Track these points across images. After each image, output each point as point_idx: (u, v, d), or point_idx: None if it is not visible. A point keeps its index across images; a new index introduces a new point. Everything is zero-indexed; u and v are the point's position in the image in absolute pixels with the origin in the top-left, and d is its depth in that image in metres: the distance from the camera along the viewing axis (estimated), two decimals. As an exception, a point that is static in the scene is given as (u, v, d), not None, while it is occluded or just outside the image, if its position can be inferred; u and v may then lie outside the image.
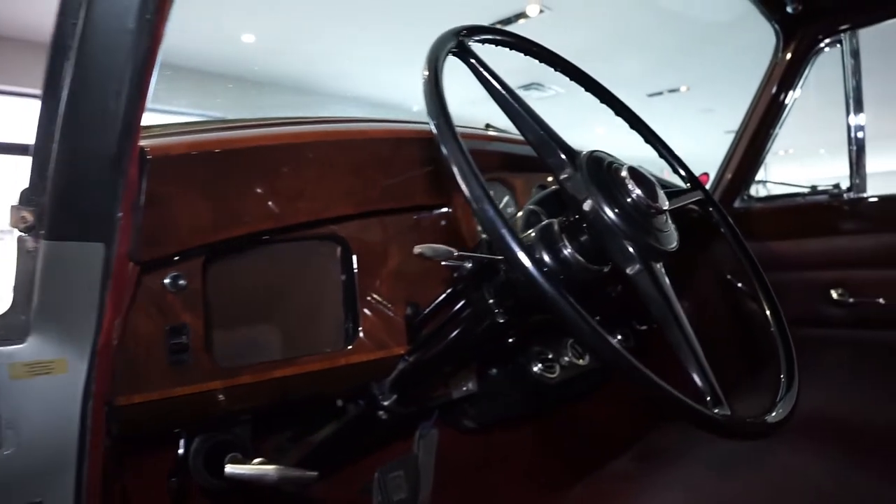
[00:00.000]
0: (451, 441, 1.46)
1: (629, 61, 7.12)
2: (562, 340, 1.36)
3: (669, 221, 0.72)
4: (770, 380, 0.76)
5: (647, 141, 0.93)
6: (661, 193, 0.69)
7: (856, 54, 1.92)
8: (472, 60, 0.72)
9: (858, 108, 1.95)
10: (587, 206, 0.64)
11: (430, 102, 0.61)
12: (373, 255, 1.01)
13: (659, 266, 0.66)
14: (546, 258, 0.71)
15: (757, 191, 2.15)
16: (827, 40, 1.92)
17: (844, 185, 1.95)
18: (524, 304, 0.79)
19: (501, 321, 0.80)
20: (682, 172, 0.95)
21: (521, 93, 0.71)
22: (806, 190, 2.09)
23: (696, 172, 0.94)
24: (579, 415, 1.78)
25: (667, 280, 0.66)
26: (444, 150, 0.57)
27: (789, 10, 1.84)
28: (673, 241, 0.69)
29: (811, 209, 2.02)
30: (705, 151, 2.11)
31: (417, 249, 0.73)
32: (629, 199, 0.66)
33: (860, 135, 1.95)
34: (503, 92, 0.71)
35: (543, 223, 0.75)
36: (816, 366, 1.68)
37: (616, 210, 0.64)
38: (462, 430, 1.41)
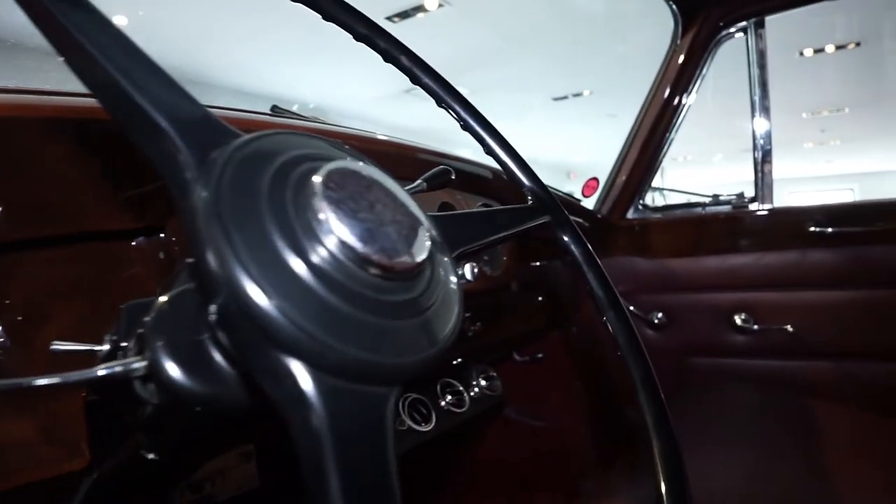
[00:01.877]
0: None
1: (532, 62, 6.93)
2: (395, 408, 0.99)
3: (448, 283, 0.33)
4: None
5: (463, 128, 0.56)
6: (422, 232, 0.31)
7: (761, 46, 1.68)
8: None
9: (764, 109, 1.71)
10: (211, 268, 0.25)
11: None
12: (20, 314, 0.59)
13: (384, 412, 0.27)
14: (168, 368, 0.32)
15: (653, 199, 1.89)
16: (732, 28, 1.68)
17: (749, 193, 1.72)
18: (188, 445, 0.41)
19: (151, 457, 0.42)
20: (523, 178, 0.57)
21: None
22: (707, 199, 1.84)
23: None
24: (428, 486, 1.45)
25: (390, 453, 0.26)
26: None
27: (689, -12, 1.59)
28: (444, 327, 0.30)
29: (712, 221, 1.77)
30: (612, 160, 1.84)
31: None
32: (316, 256, 0.27)
33: (765, 140, 1.72)
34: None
35: (179, 289, 0.35)
36: (716, 405, 1.44)
37: (268, 288, 0.25)
38: None
